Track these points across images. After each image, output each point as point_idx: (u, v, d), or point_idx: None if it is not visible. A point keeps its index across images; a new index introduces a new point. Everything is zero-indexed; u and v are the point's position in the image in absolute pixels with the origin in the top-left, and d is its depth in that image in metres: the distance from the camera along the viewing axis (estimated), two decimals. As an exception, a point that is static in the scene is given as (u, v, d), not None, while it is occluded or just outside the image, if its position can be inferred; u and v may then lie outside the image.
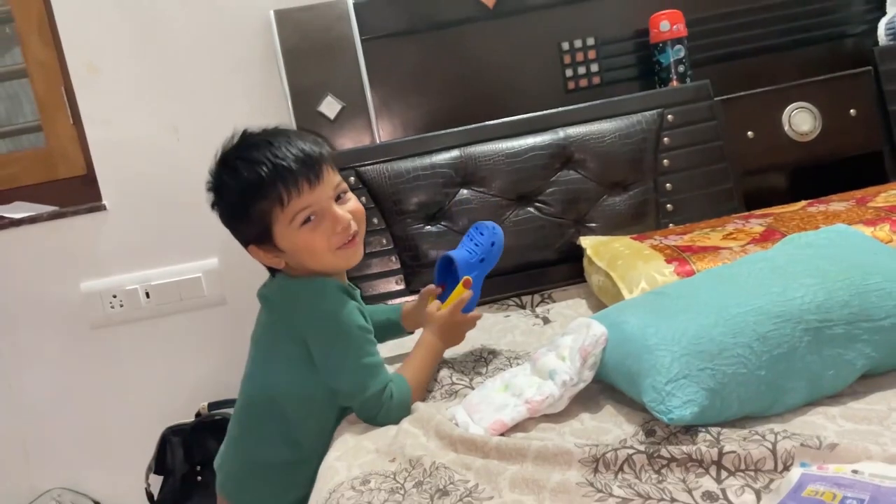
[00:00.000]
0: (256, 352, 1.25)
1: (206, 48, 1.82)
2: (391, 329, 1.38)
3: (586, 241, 1.57)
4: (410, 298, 1.66)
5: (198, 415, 1.79)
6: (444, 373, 1.31)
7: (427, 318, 1.26)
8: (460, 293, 1.26)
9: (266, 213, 1.11)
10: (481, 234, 1.33)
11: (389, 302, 1.66)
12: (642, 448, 0.88)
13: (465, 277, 1.27)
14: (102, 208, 1.84)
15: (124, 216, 1.85)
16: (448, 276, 1.33)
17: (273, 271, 1.22)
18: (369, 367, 1.15)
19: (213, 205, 1.18)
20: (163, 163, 1.85)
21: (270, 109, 1.81)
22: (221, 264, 1.89)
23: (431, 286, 1.35)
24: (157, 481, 1.78)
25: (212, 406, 1.81)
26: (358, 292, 1.24)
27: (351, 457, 1.07)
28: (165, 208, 1.86)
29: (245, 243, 1.18)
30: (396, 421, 1.13)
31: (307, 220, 1.12)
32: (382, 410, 1.14)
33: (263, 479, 1.23)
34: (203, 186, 1.82)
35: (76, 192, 1.89)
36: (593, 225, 1.64)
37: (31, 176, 1.91)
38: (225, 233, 1.85)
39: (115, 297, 1.85)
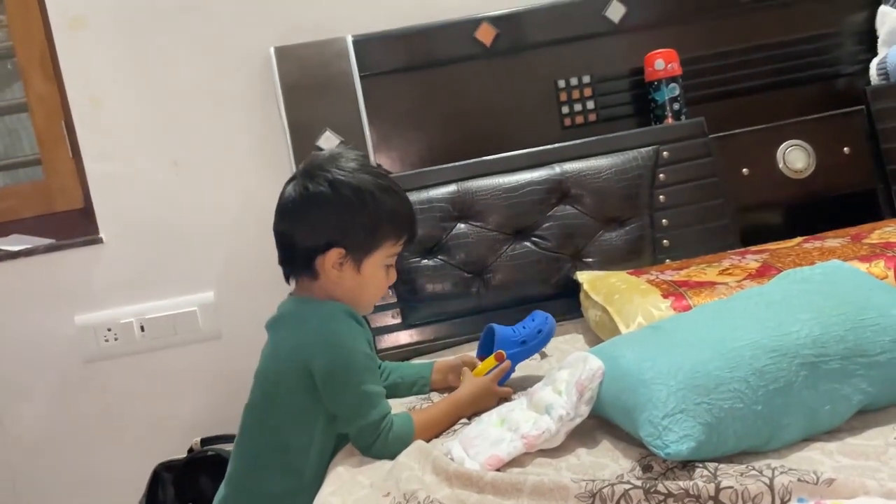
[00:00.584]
0: (258, 382, 1.24)
1: (207, 83, 1.84)
2: (420, 385, 1.37)
3: (583, 276, 1.57)
4: (406, 332, 1.66)
5: (190, 450, 1.77)
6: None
7: (466, 377, 1.27)
8: (490, 365, 1.28)
9: (386, 236, 1.19)
10: (533, 319, 1.36)
11: (386, 336, 1.65)
12: (639, 483, 0.87)
13: (500, 351, 1.29)
14: (99, 241, 1.84)
15: (121, 249, 1.85)
16: (490, 348, 1.35)
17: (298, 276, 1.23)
18: (370, 394, 1.14)
19: (328, 193, 1.15)
20: (161, 196, 1.86)
21: (269, 144, 1.83)
22: (217, 298, 1.88)
23: (470, 355, 1.37)
24: (147, 518, 1.75)
25: (205, 442, 1.79)
26: (366, 323, 1.25)
27: (346, 492, 1.06)
28: (162, 242, 1.86)
29: (335, 243, 1.16)
30: (392, 455, 1.11)
31: (389, 266, 1.23)
32: (378, 441, 1.13)
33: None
34: (201, 222, 1.85)
35: (73, 225, 1.89)
36: (590, 260, 1.65)
37: (29, 209, 1.91)
38: (221, 268, 1.87)
39: (109, 330, 1.84)
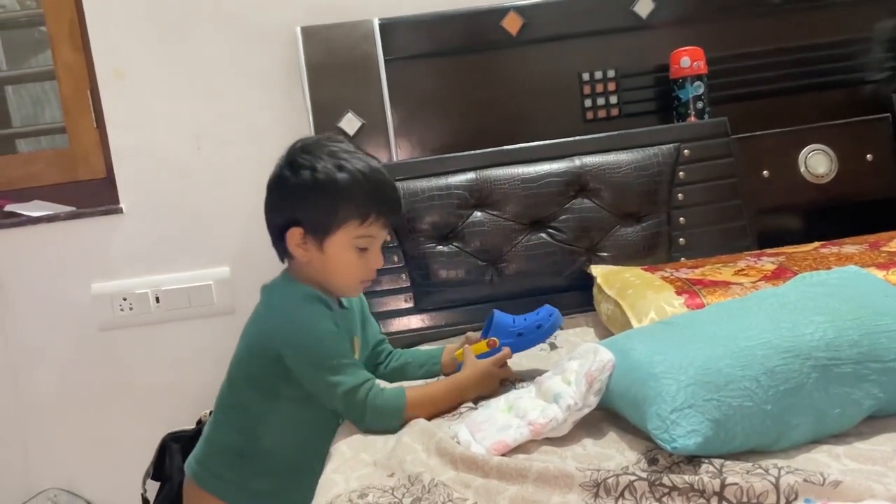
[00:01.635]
0: (240, 339, 1.29)
1: (232, 60, 1.85)
2: (430, 365, 1.38)
3: (597, 270, 1.57)
4: (417, 317, 1.66)
5: (199, 422, 1.79)
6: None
7: (468, 358, 1.27)
8: (481, 349, 1.28)
9: (347, 216, 1.18)
10: (537, 313, 1.32)
11: (397, 320, 1.66)
12: (644, 475, 0.87)
13: (492, 339, 1.28)
14: (119, 211, 1.86)
15: (140, 220, 1.87)
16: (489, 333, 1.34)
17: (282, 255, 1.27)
18: (340, 366, 1.17)
19: (290, 175, 1.21)
20: (182, 170, 1.87)
21: (292, 123, 1.83)
22: (233, 274, 1.90)
23: (475, 334, 1.37)
24: (153, 487, 1.77)
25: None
26: (337, 306, 1.26)
27: (348, 469, 1.07)
28: (181, 215, 1.87)
29: (295, 223, 1.20)
30: (386, 426, 1.14)
31: (363, 248, 1.20)
32: (367, 412, 1.16)
33: (223, 460, 1.29)
34: (221, 197, 1.86)
35: (95, 194, 1.91)
36: (605, 254, 1.65)
37: (52, 176, 1.93)
38: (237, 244, 1.89)
39: (125, 299, 1.86)
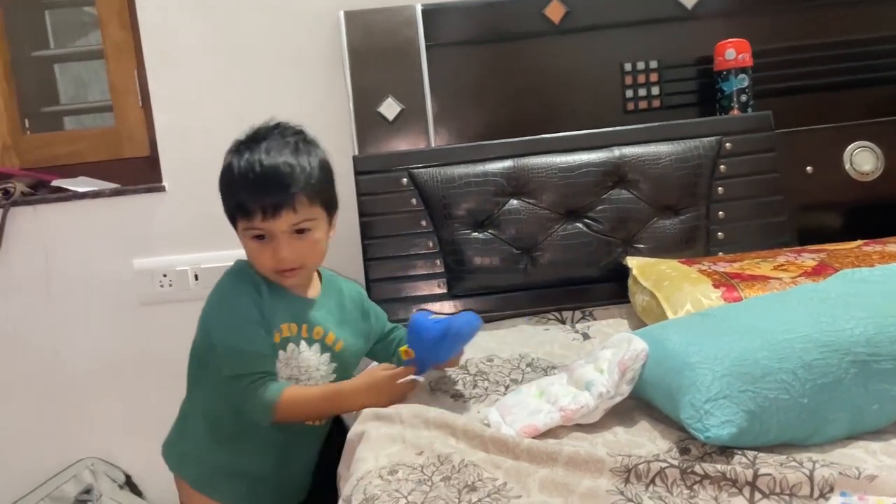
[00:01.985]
0: None
1: (276, 43, 1.87)
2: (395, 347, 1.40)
3: (633, 262, 1.57)
4: (450, 303, 1.67)
5: (233, 399, 1.82)
6: (479, 378, 1.32)
7: (368, 369, 1.27)
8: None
9: (232, 210, 1.22)
10: (458, 317, 1.23)
11: (430, 305, 1.66)
12: (676, 463, 0.87)
13: (409, 349, 1.20)
14: (162, 189, 1.89)
15: (182, 199, 1.90)
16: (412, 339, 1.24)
17: None
18: (235, 352, 1.18)
19: None
20: (223, 151, 1.89)
21: (332, 107, 1.85)
22: (270, 254, 1.92)
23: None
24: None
25: (247, 391, 1.84)
26: (272, 288, 1.24)
27: (378, 447, 1.08)
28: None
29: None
30: (262, 420, 1.17)
31: (260, 237, 1.19)
32: (245, 402, 1.18)
33: (183, 435, 1.33)
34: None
35: (138, 173, 1.94)
36: (641, 246, 1.63)
37: (98, 153, 1.97)
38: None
39: (165, 276, 1.90)
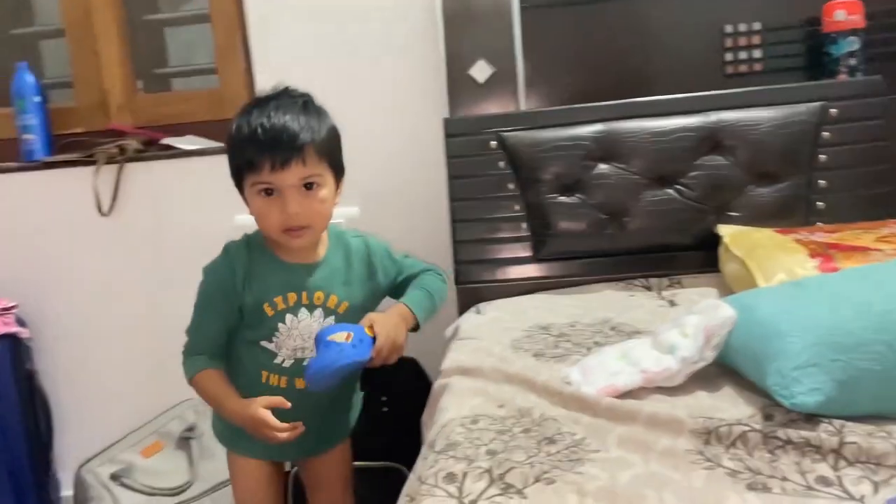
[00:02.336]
0: None
1: (371, 6, 1.90)
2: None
3: (725, 230, 1.53)
4: (535, 266, 1.68)
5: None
6: (562, 340, 1.33)
7: (255, 401, 1.22)
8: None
9: (240, 168, 1.21)
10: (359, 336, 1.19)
11: (515, 268, 1.68)
12: (758, 427, 0.87)
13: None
14: (261, 149, 1.98)
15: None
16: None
17: None
18: (191, 323, 1.30)
19: None
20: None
21: (425, 70, 1.88)
22: (363, 214, 1.98)
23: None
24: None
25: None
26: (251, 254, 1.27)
27: (460, 398, 1.12)
28: (317, 155, 1.97)
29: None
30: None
31: (269, 192, 1.19)
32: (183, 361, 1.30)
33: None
34: (355, 141, 1.94)
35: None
36: (735, 214, 1.59)
37: (203, 114, 2.07)
38: (368, 186, 1.97)
39: (262, 231, 1.99)
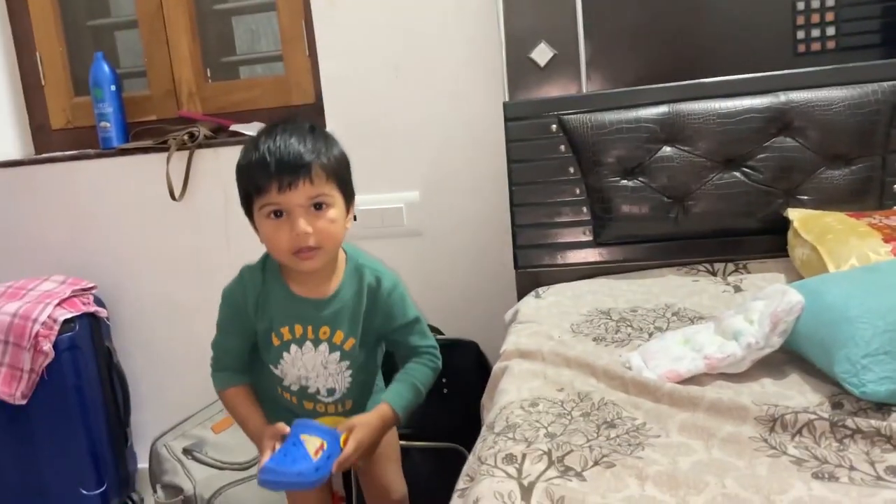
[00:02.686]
0: None
1: (432, -9, 1.91)
2: None
3: (794, 213, 1.49)
4: (595, 250, 1.66)
5: (385, 333, 1.94)
6: (622, 324, 1.32)
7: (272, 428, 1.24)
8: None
9: (248, 192, 1.22)
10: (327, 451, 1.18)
11: (574, 252, 1.67)
12: (826, 416, 0.85)
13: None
14: (325, 134, 2.01)
15: (343, 143, 2.00)
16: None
17: None
18: (215, 341, 1.35)
19: None
20: (382, 98, 1.98)
21: (485, 54, 1.87)
22: (422, 198, 2.01)
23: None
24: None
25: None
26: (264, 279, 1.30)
27: (520, 381, 1.13)
28: (379, 140, 2.00)
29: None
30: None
31: (277, 214, 1.19)
32: (211, 374, 1.36)
33: None
34: (415, 126, 1.96)
35: (305, 119, 2.07)
36: (805, 198, 1.55)
37: (269, 100, 2.13)
38: (428, 170, 1.99)
39: (327, 216, 2.03)
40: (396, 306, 1.32)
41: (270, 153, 1.17)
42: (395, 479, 1.46)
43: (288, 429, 1.21)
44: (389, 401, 1.29)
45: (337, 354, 1.29)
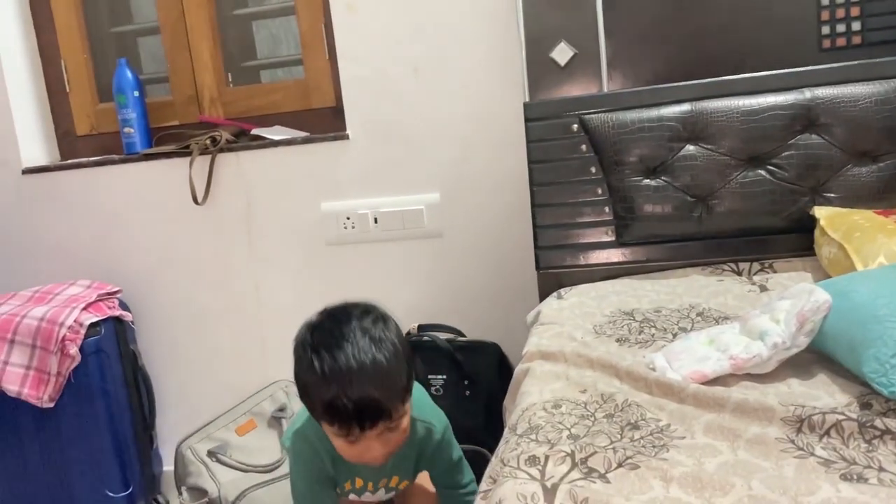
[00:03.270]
0: None
1: (450, -8, 1.91)
2: None
3: (821, 212, 1.47)
4: (618, 251, 1.65)
5: (408, 334, 1.94)
6: (646, 325, 1.31)
7: None
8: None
9: (322, 418, 1.19)
10: None
11: (597, 252, 1.66)
12: (854, 416, 0.83)
13: None
14: (346, 138, 2.02)
15: (363, 147, 2.02)
16: None
17: None
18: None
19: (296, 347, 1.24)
20: (401, 101, 1.99)
21: (504, 54, 1.87)
22: (443, 200, 2.00)
23: None
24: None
25: (421, 328, 1.95)
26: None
27: (542, 383, 1.13)
28: (399, 143, 2.00)
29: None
30: None
31: (349, 441, 1.18)
32: None
33: None
34: (435, 127, 1.97)
35: (325, 122, 2.09)
36: (831, 195, 1.52)
37: (290, 104, 2.14)
38: (448, 172, 1.99)
39: (348, 218, 2.04)
40: (444, 452, 1.38)
41: (350, 400, 1.11)
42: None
43: None
44: None
45: (393, 492, 1.44)
